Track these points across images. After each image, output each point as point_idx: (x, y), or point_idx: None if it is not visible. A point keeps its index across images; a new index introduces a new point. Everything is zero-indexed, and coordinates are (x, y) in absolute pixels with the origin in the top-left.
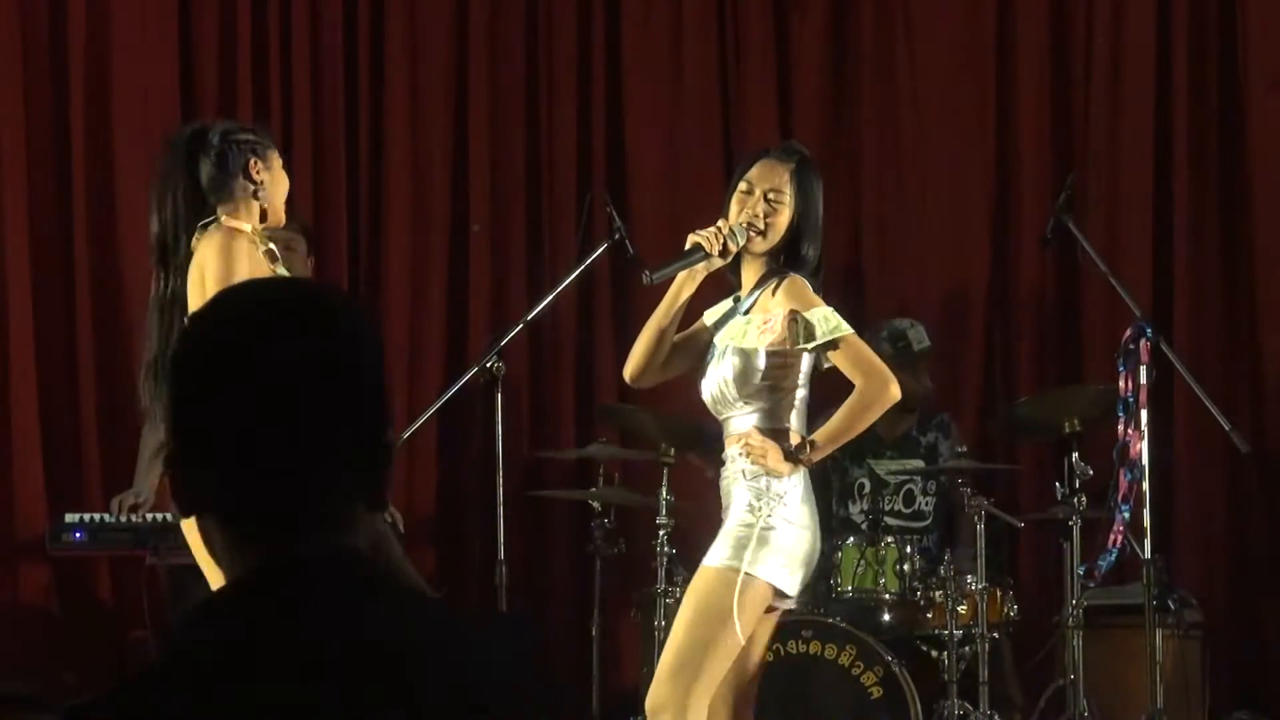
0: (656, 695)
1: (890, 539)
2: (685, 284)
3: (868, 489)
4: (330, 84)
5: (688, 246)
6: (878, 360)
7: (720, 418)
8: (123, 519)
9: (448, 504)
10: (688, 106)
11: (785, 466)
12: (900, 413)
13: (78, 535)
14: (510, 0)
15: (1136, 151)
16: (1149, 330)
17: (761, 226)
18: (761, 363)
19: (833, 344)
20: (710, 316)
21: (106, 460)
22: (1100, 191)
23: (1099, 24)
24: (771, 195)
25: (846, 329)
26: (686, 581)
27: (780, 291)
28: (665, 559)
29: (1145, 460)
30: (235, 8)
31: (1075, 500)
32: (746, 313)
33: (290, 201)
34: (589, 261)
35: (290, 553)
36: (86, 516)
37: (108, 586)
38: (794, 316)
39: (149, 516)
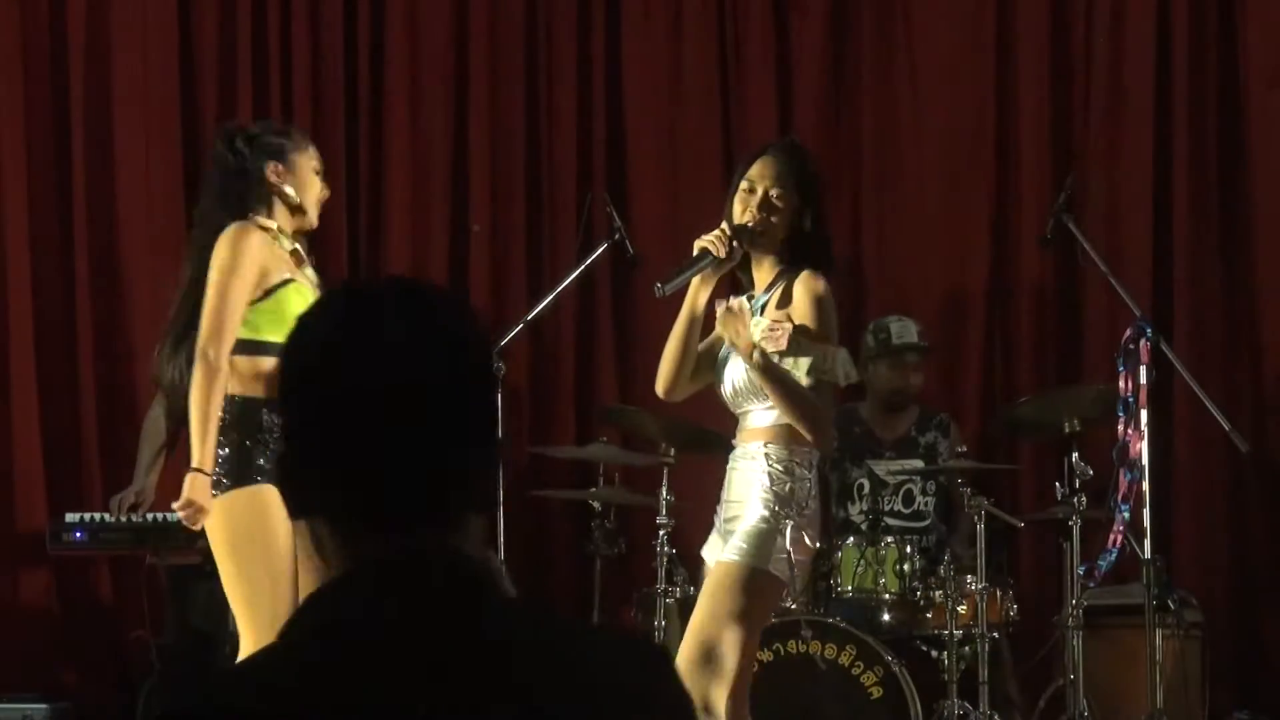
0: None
1: (890, 539)
2: (700, 291)
3: (867, 489)
4: (330, 83)
5: (695, 253)
6: (827, 416)
7: (738, 411)
8: (122, 519)
9: None
10: (688, 106)
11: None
12: (886, 411)
13: (78, 535)
14: (510, 1)
15: (1136, 151)
16: (1149, 330)
17: (766, 224)
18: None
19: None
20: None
21: (106, 460)
22: (1100, 191)
23: (1099, 24)
24: (774, 191)
25: (828, 377)
26: (686, 581)
27: (797, 286)
28: (665, 559)
29: (1145, 460)
30: (235, 6)
31: (1075, 500)
32: (761, 311)
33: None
34: (589, 261)
35: (405, 550)
36: (86, 516)
37: (108, 586)
38: (797, 337)
39: (149, 516)
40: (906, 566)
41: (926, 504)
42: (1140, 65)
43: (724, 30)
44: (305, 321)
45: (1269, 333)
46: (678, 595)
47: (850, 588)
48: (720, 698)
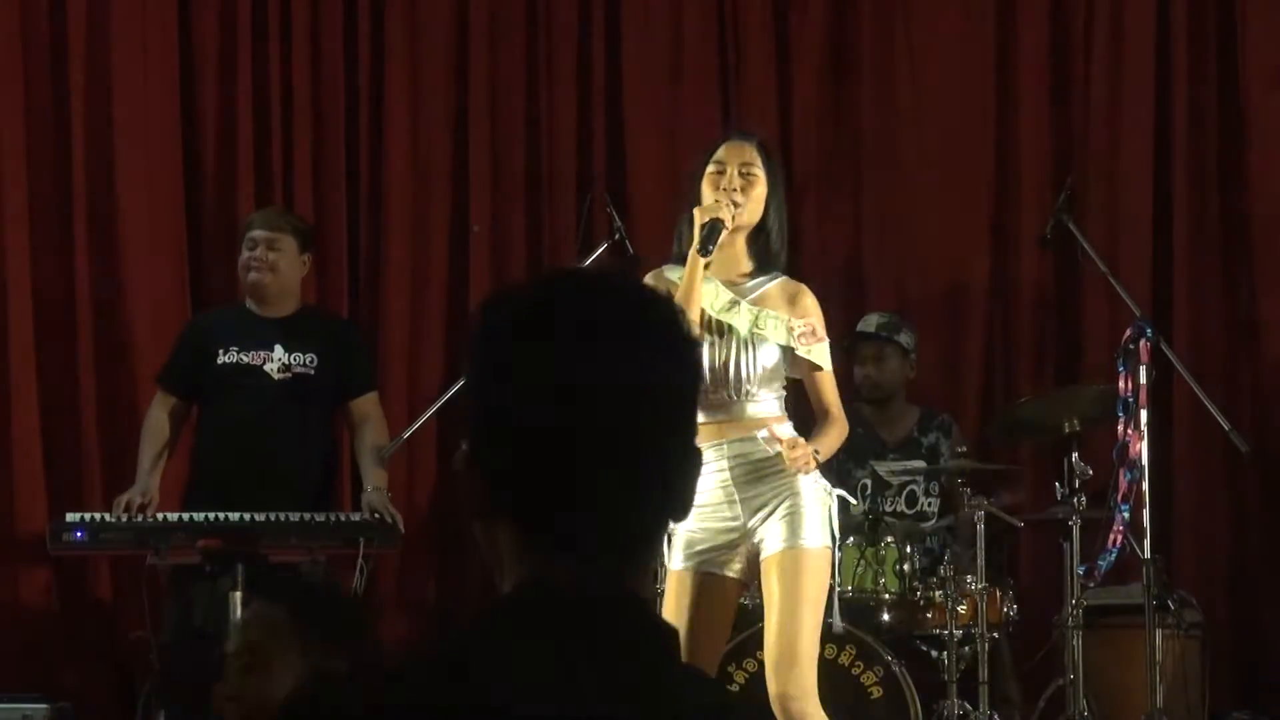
0: (798, 683)
1: (890, 539)
2: (697, 266)
3: (869, 490)
4: (330, 83)
5: (703, 222)
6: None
7: (735, 398)
8: (123, 519)
9: (447, 504)
10: (688, 107)
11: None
12: (869, 406)
13: (78, 535)
14: (511, 1)
15: (1136, 152)
16: (1149, 330)
17: (741, 199)
18: (780, 360)
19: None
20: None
21: (106, 460)
22: (1100, 191)
23: (1099, 25)
24: (744, 169)
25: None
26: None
27: (804, 296)
28: (660, 561)
29: (1145, 460)
30: (235, 7)
31: (1075, 500)
32: (753, 304)
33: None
34: (589, 262)
35: (563, 578)
36: (87, 516)
37: (108, 586)
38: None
39: (149, 516)
40: (906, 566)
41: (930, 505)
42: (1141, 65)
43: (724, 30)
44: (503, 315)
45: (1269, 333)
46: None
47: (850, 587)
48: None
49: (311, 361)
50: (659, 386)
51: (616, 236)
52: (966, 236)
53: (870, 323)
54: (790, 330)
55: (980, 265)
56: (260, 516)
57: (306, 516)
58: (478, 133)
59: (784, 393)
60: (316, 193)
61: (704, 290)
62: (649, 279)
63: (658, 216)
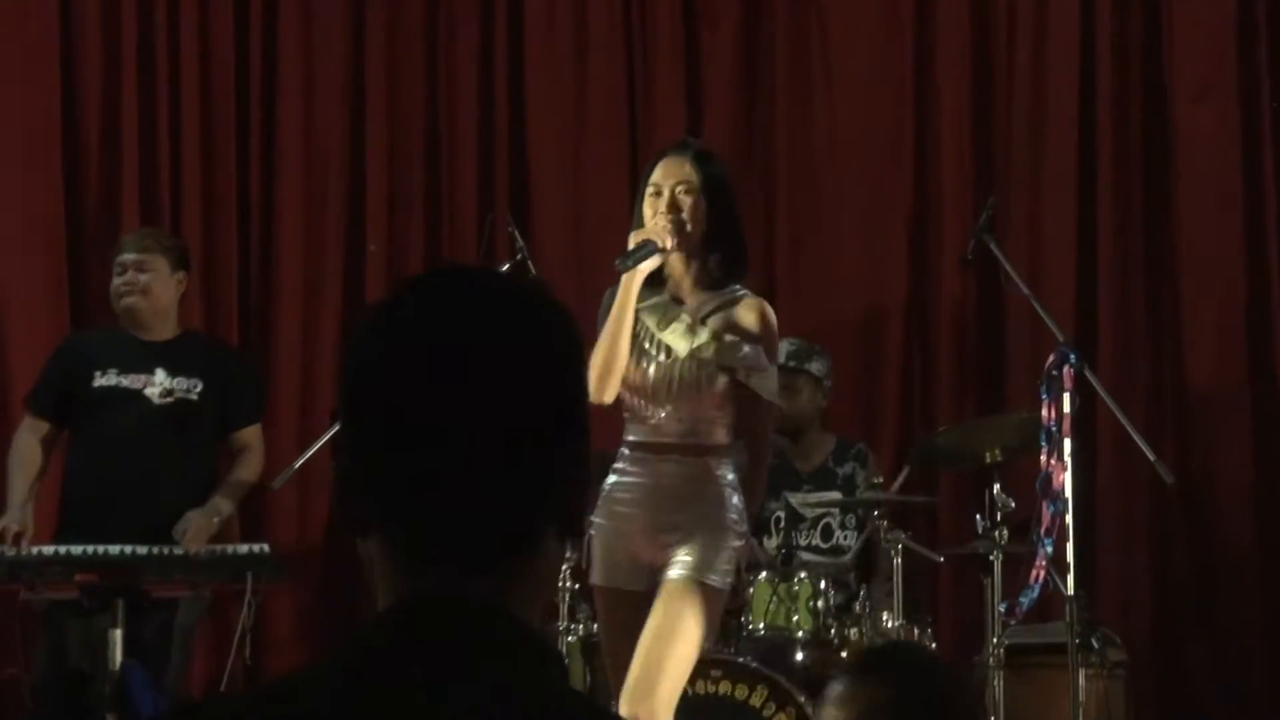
0: (649, 711)
1: (803, 574)
2: (633, 284)
3: (783, 522)
4: (220, 97)
5: (634, 243)
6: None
7: (675, 419)
8: None
9: (341, 537)
10: (593, 123)
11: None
12: (784, 436)
13: None
14: (409, 10)
15: (1059, 170)
16: (1073, 356)
17: (679, 224)
18: (724, 383)
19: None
20: (643, 306)
21: None
22: (1022, 211)
23: (1020, 40)
24: (680, 188)
25: (772, 398)
26: (590, 618)
27: (744, 307)
28: (567, 594)
29: (1069, 492)
30: (119, 15)
31: (996, 534)
32: (704, 321)
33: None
34: None
35: (445, 592)
36: None
37: None
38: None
39: (23, 550)
40: (820, 603)
41: (846, 538)
42: (1064, 81)
43: (631, 43)
44: (370, 318)
45: (1194, 359)
46: (580, 633)
47: (762, 625)
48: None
49: (195, 387)
50: (535, 391)
51: (519, 257)
52: (883, 258)
53: (779, 351)
54: (733, 350)
55: (898, 288)
56: (142, 550)
57: (192, 550)
58: (375, 149)
59: (728, 419)
60: (205, 210)
61: (651, 305)
62: (606, 296)
63: (562, 237)
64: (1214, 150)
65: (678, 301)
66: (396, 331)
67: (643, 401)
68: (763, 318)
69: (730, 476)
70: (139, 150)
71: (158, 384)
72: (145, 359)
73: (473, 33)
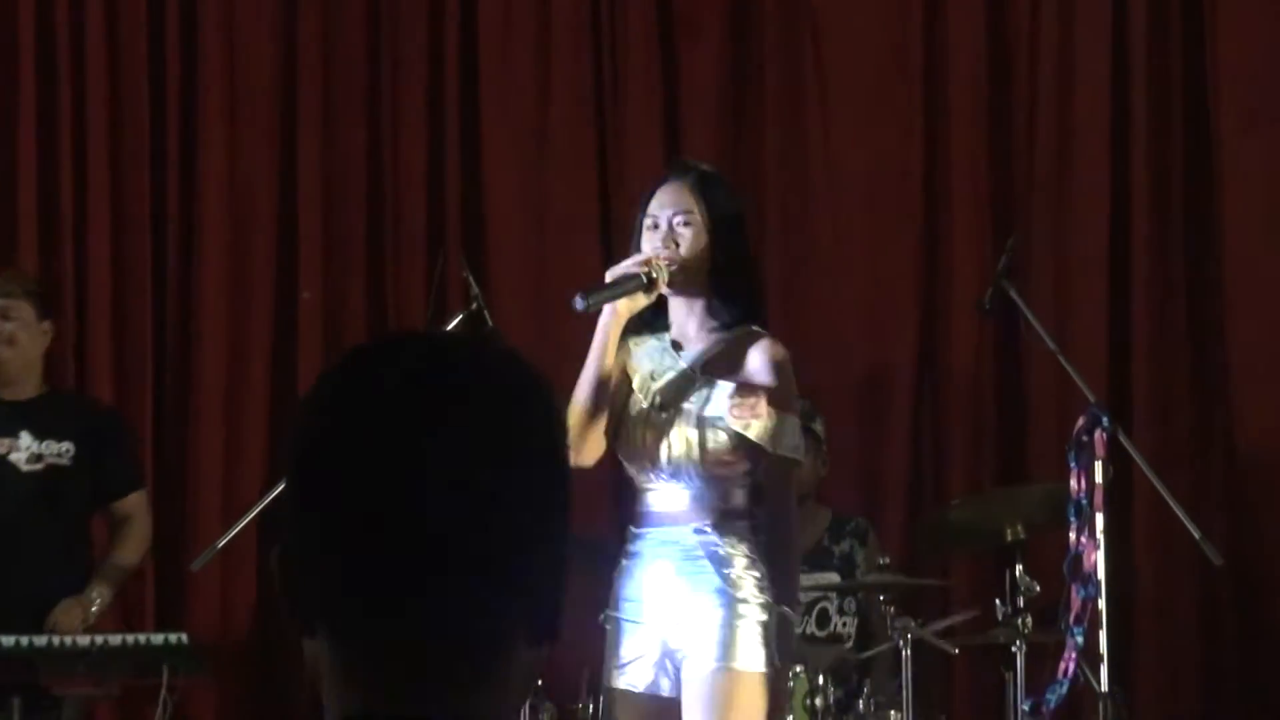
0: None
1: (798, 667)
2: (615, 324)
3: None
4: (132, 127)
5: (612, 278)
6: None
7: (675, 484)
8: None
9: (268, 622)
10: (557, 154)
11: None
12: None
13: None
14: (348, 22)
15: (1088, 209)
16: (1105, 419)
17: (675, 259)
18: (730, 440)
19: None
20: (638, 351)
21: None
22: (1047, 254)
23: (1044, 58)
24: (679, 218)
25: (793, 454)
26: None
27: (756, 350)
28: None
29: (1102, 574)
30: (17, 42)
31: (1019, 622)
32: (702, 371)
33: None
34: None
35: (404, 709)
36: None
37: None
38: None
39: None
40: (819, 700)
41: (845, 625)
42: (1095, 107)
43: (600, 64)
44: (322, 390)
45: (1245, 421)
46: None
47: None
48: None
49: (67, 451)
50: (510, 480)
51: (474, 305)
52: (888, 307)
53: None
54: (733, 401)
55: (905, 342)
56: (40, 640)
57: (98, 640)
58: (308, 185)
59: (747, 480)
60: (115, 248)
61: (647, 350)
62: None
63: (522, 283)
64: (1265, 186)
65: (678, 348)
66: (352, 410)
67: (642, 468)
68: (774, 360)
69: (746, 546)
70: (37, 186)
71: (24, 449)
72: (8, 421)
73: (420, 50)
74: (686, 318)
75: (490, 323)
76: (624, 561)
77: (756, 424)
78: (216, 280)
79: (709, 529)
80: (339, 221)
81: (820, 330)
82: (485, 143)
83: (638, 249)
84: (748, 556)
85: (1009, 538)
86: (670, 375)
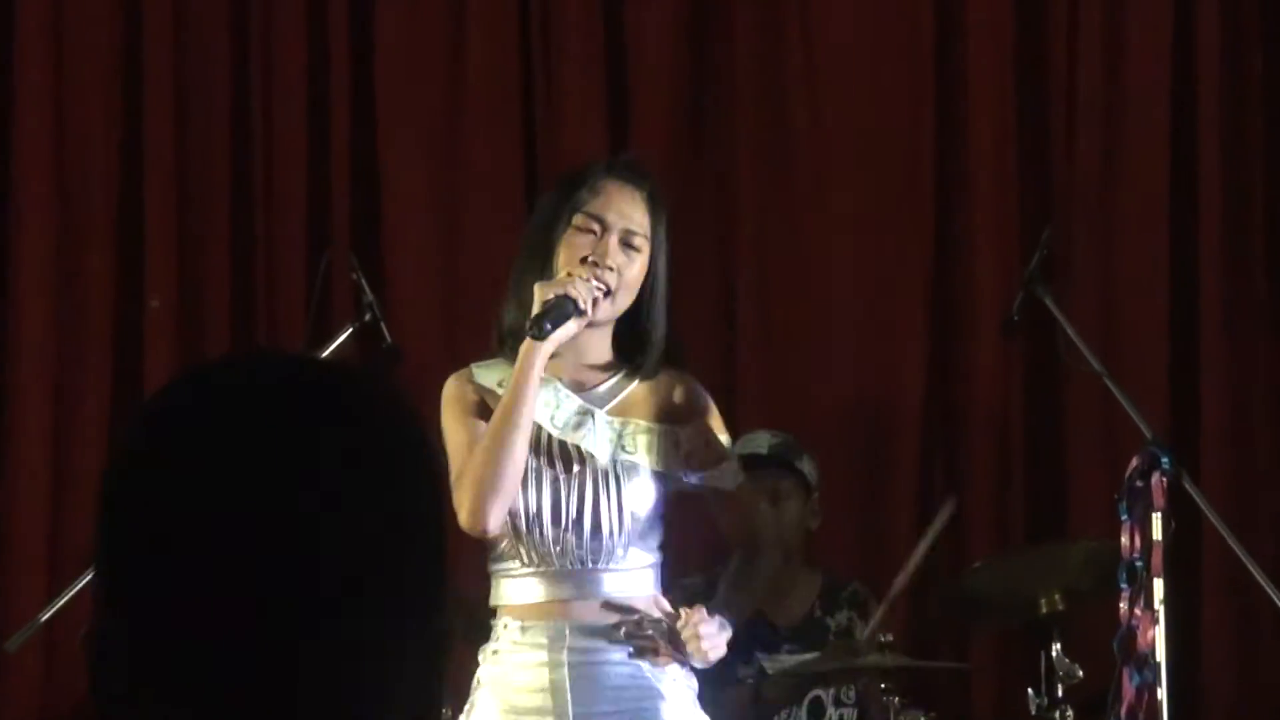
0: None
1: None
2: (535, 357)
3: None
4: None
5: (544, 300)
6: None
7: (587, 564)
8: None
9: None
10: (472, 131)
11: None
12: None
13: None
14: None
15: (1145, 196)
16: (1166, 460)
17: (614, 282)
18: (661, 491)
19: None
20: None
21: None
22: (1092, 252)
23: (1087, 9)
24: (628, 236)
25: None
26: None
27: (688, 393)
28: None
29: (1162, 656)
30: None
31: (1057, 715)
32: (615, 410)
33: None
34: (328, 352)
35: None
36: None
37: None
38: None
39: None
40: None
41: (843, 717)
42: (1151, 66)
43: (528, 24)
44: (138, 424)
45: None
46: None
47: None
48: None
49: None
50: (363, 531)
51: (367, 317)
52: (891, 324)
53: (759, 443)
54: (676, 446)
55: (912, 365)
56: None
57: None
58: (157, 169)
59: (660, 555)
60: None
61: (542, 397)
62: (451, 385)
63: (428, 288)
64: None
65: (576, 386)
66: (172, 447)
67: (532, 539)
68: (693, 390)
69: (666, 604)
70: None
71: None
72: None
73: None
74: (585, 350)
75: (389, 338)
76: (492, 668)
77: (719, 470)
78: (41, 283)
79: (630, 601)
80: (196, 214)
81: (806, 352)
82: (381, 114)
83: (545, 250)
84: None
85: (1044, 609)
86: (575, 424)
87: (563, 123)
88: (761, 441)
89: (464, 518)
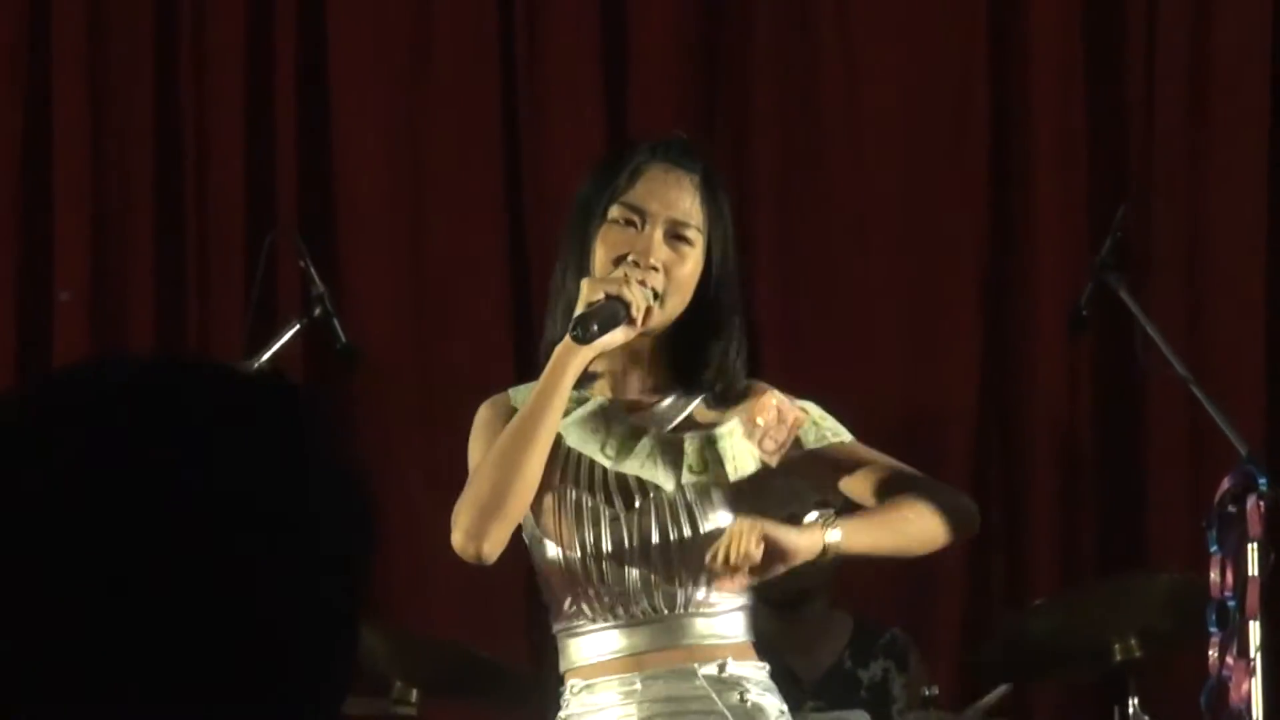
0: None
1: None
2: (570, 363)
3: None
4: None
5: (592, 300)
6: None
7: (664, 610)
8: None
9: None
10: (442, 97)
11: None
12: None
13: None
14: None
15: (1240, 169)
16: (1263, 481)
17: (661, 285)
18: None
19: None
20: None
21: None
22: (1174, 235)
23: None
24: (676, 228)
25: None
26: None
27: (751, 392)
28: None
29: (1259, 712)
30: None
31: None
32: (676, 430)
33: None
34: (271, 352)
35: None
36: None
37: None
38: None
39: None
40: None
41: None
42: (1246, 16)
43: None
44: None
45: None
46: None
47: None
48: None
49: None
50: (256, 565)
51: (317, 312)
52: (937, 321)
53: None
54: (750, 434)
55: (962, 370)
56: None
57: None
58: (67, 144)
59: (751, 596)
60: None
61: (583, 418)
62: (482, 410)
63: (391, 279)
64: None
65: (630, 407)
66: (23, 444)
67: (595, 587)
68: (755, 390)
69: (765, 677)
70: None
71: None
72: None
73: None
74: (633, 366)
75: (343, 338)
76: None
77: (808, 428)
78: None
79: (712, 660)
80: (114, 195)
81: (836, 358)
82: (335, 82)
83: (587, 246)
84: (772, 692)
85: (1118, 656)
86: (627, 450)
87: (549, 91)
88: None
89: (458, 539)
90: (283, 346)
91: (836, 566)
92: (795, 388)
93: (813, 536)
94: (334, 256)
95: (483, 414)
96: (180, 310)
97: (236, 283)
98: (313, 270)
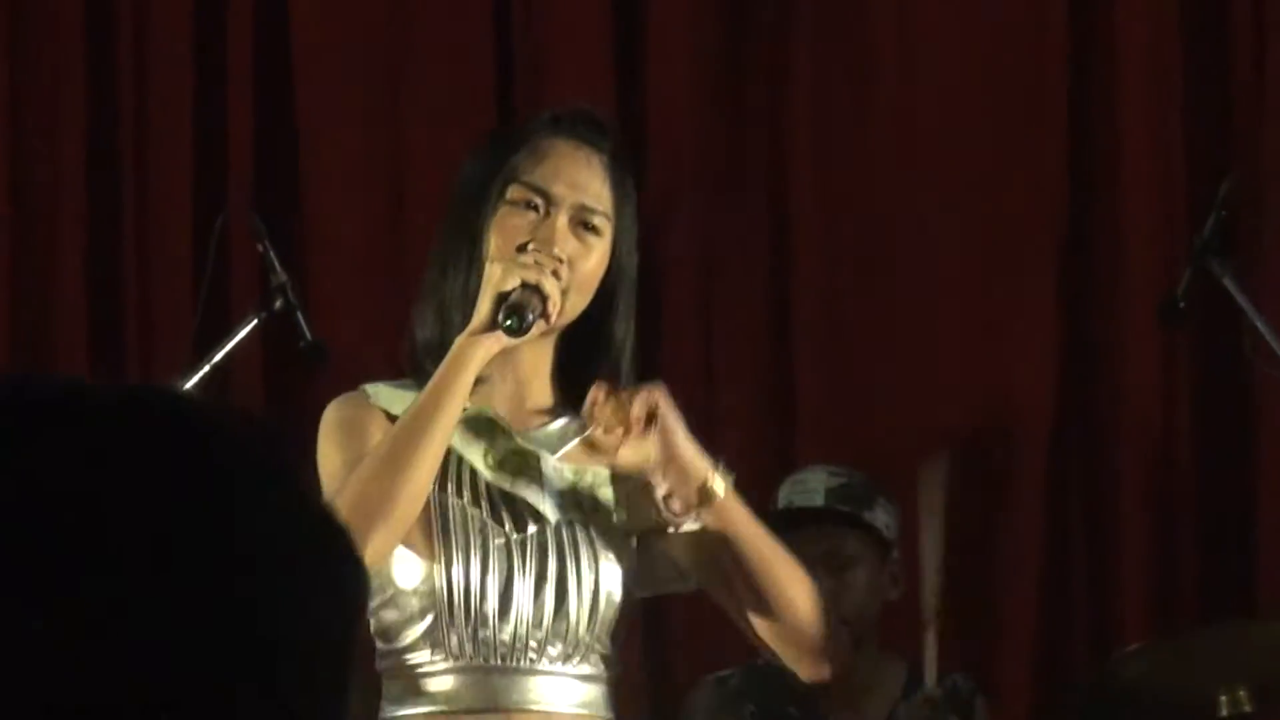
0: None
1: None
2: (472, 359)
3: None
4: None
5: (504, 290)
6: None
7: (528, 660)
8: None
9: None
10: (426, 51)
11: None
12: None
13: None
14: None
15: None
16: None
17: (564, 278)
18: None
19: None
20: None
21: None
22: None
23: None
24: (585, 216)
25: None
26: None
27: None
28: None
29: None
30: None
31: None
32: (567, 457)
33: None
34: (226, 350)
35: None
36: None
37: None
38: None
39: None
40: None
41: None
42: None
43: None
44: None
45: None
46: None
47: None
48: None
49: None
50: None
51: (278, 304)
52: (1008, 310)
53: (812, 487)
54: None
55: (1037, 367)
56: None
57: None
58: None
59: (617, 671)
60: None
61: (468, 420)
62: (341, 408)
63: (361, 266)
64: None
65: (520, 427)
66: None
67: (470, 621)
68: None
69: None
70: None
71: None
72: None
73: None
74: (523, 378)
75: (308, 334)
76: None
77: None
78: None
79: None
80: (42, 168)
81: (886, 359)
82: (298, 29)
83: (465, 230)
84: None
85: (1225, 712)
86: (516, 472)
87: (550, 47)
88: (815, 485)
89: None
90: (237, 346)
91: (889, 601)
92: (838, 392)
93: (705, 465)
94: (297, 241)
95: (339, 412)
96: (117, 299)
97: (183, 271)
98: (272, 256)
